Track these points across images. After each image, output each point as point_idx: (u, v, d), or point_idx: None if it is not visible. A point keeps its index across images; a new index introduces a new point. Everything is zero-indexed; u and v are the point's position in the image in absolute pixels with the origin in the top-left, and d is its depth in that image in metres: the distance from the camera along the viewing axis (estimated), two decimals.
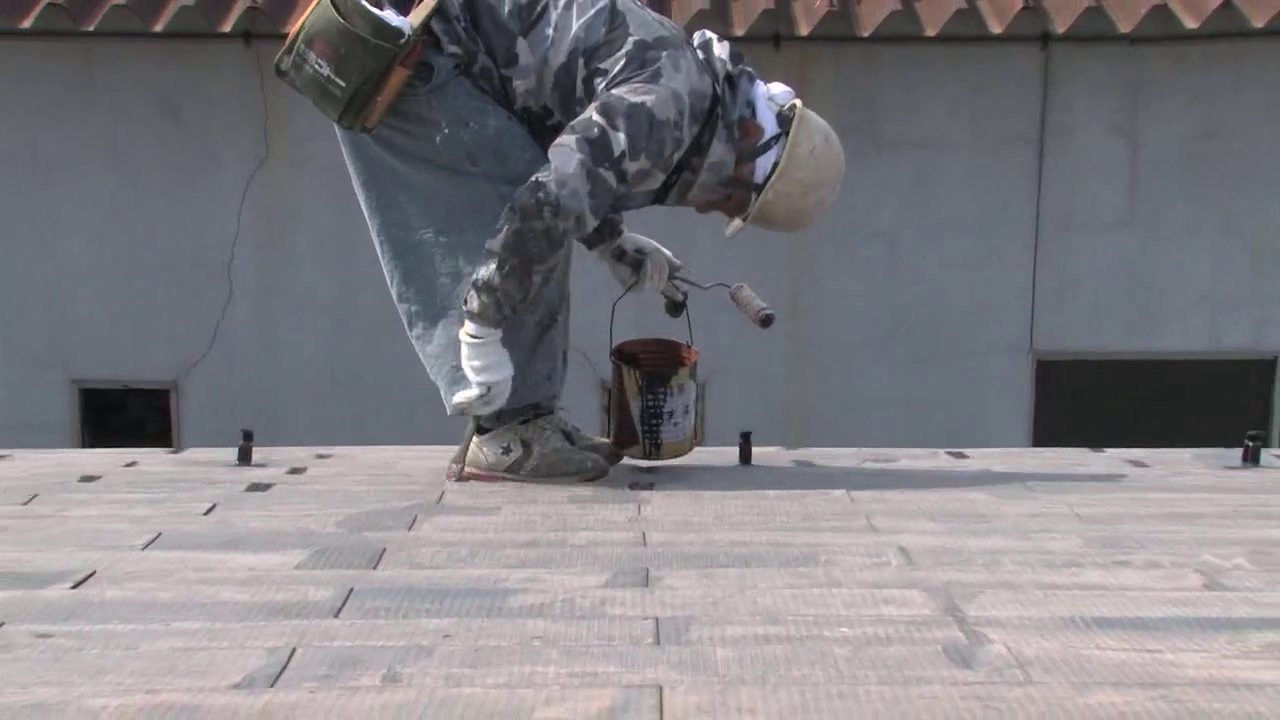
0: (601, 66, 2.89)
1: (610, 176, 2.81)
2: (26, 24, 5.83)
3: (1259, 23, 5.78)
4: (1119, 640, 1.76)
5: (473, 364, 2.85)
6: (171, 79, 6.13)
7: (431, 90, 2.85)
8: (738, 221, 3.10)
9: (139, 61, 6.09)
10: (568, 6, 2.92)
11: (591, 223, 2.86)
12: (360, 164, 2.98)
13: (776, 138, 2.99)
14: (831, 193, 3.07)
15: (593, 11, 2.92)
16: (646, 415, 3.09)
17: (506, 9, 2.90)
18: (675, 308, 3.30)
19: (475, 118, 2.88)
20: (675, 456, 3.19)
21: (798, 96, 3.07)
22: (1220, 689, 1.57)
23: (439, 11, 2.83)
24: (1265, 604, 1.96)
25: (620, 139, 2.80)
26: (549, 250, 2.80)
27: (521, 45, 2.90)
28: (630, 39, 2.90)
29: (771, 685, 1.57)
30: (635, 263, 3.26)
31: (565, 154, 2.80)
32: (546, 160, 2.81)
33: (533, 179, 2.78)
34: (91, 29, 5.85)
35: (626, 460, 3.20)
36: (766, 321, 3.19)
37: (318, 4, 2.82)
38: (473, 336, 2.84)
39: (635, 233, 3.30)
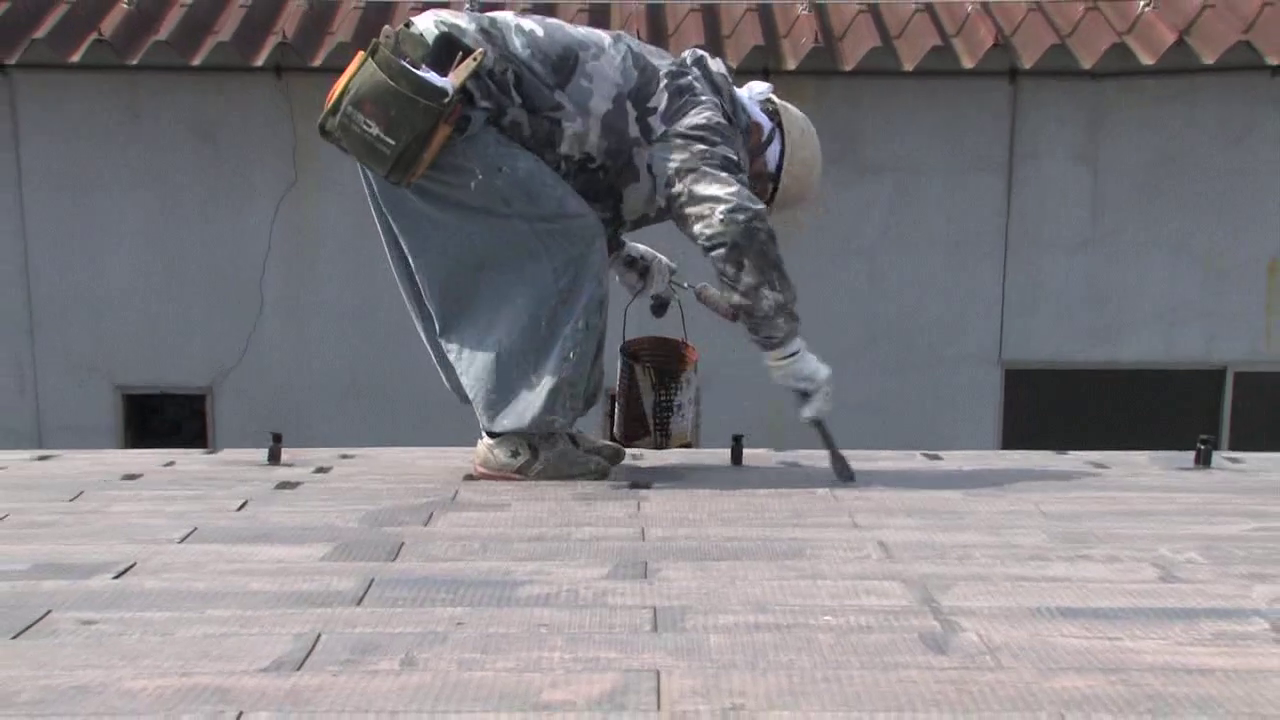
0: (650, 105, 2.93)
1: (746, 181, 2.91)
2: (76, 58, 5.85)
3: (1209, 60, 5.81)
4: (1081, 628, 1.76)
5: (801, 377, 2.96)
6: (208, 109, 6.14)
7: (466, 140, 2.83)
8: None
9: (178, 93, 6.10)
10: (596, 56, 2.94)
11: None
12: (398, 212, 2.95)
13: (773, 130, 3.08)
14: (821, 164, 3.17)
15: (619, 58, 2.95)
16: (659, 409, 3.10)
17: (540, 67, 2.89)
18: (662, 308, 3.32)
19: (506, 163, 2.87)
20: (680, 445, 3.20)
21: (768, 91, 3.17)
22: (1175, 674, 1.56)
23: (486, 71, 2.83)
24: (1216, 595, 1.96)
25: (725, 149, 2.90)
26: (777, 246, 2.91)
27: (561, 96, 2.90)
28: (659, 72, 2.96)
29: (761, 670, 1.57)
30: (642, 269, 3.29)
31: (712, 182, 2.87)
32: (577, 210, 2.88)
33: (719, 215, 2.84)
34: (135, 63, 5.87)
35: (628, 461, 3.20)
36: (736, 316, 3.16)
37: (361, 67, 2.78)
38: (790, 356, 2.95)
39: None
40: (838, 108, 6.14)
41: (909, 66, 5.90)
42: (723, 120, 2.93)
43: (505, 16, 2.99)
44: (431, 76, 2.75)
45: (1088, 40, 5.93)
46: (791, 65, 5.91)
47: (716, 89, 3.00)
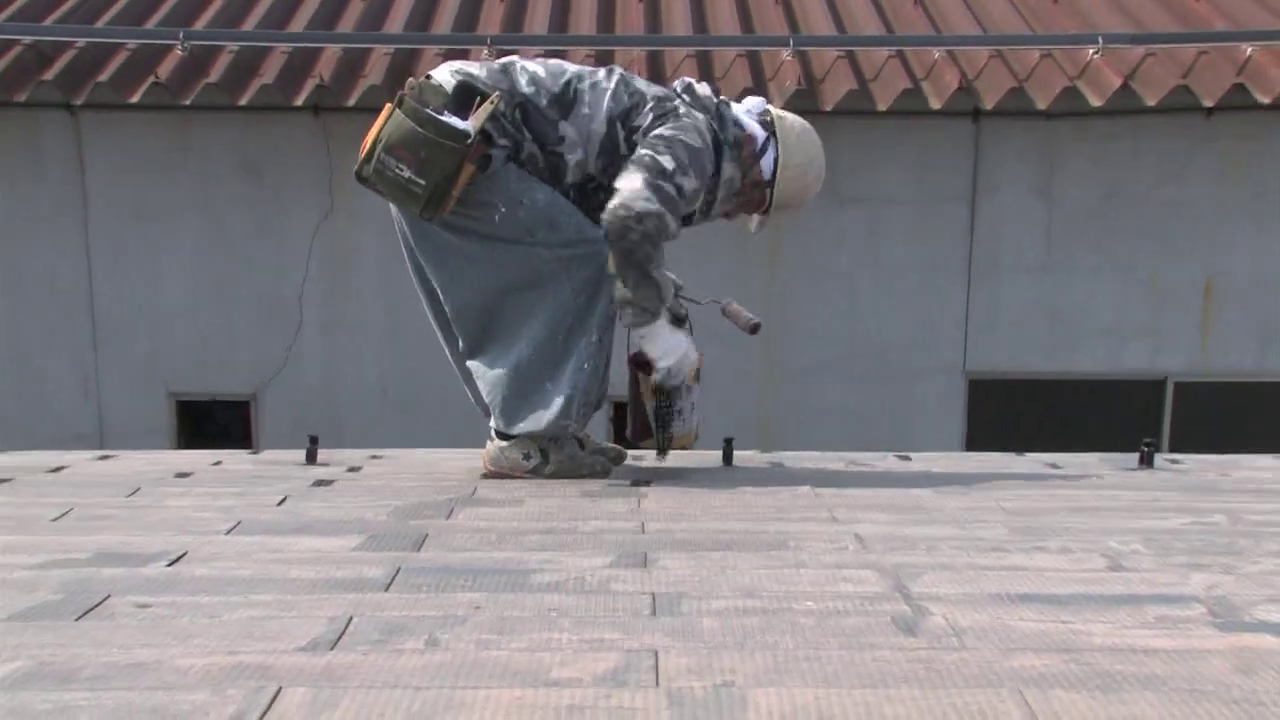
0: (635, 124, 2.92)
1: (670, 188, 2.82)
2: (135, 99, 5.86)
3: (1152, 102, 5.82)
4: (1038, 613, 1.76)
5: (650, 353, 2.91)
6: (253, 144, 6.15)
7: (488, 177, 2.84)
8: (757, 216, 3.14)
9: (226, 129, 6.11)
10: (593, 86, 2.94)
11: (672, 223, 2.84)
12: (428, 250, 2.95)
13: (767, 139, 3.04)
14: (821, 164, 3.13)
15: (613, 85, 2.95)
16: (660, 413, 3.08)
17: (544, 101, 2.89)
18: (678, 322, 3.27)
19: (526, 195, 2.87)
20: (683, 447, 3.18)
21: (765, 103, 3.14)
22: (1122, 654, 1.56)
23: (499, 114, 2.83)
24: (1159, 583, 1.96)
25: (668, 159, 2.84)
26: (654, 251, 2.82)
27: (565, 127, 2.90)
28: (648, 97, 2.96)
29: (749, 650, 1.57)
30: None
31: (628, 178, 2.83)
32: (593, 235, 2.85)
33: (610, 206, 2.79)
34: (188, 103, 5.88)
35: (629, 462, 3.20)
36: (755, 329, 3.16)
37: (390, 117, 2.79)
38: (640, 334, 2.90)
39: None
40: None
41: (882, 107, 5.91)
42: (694, 141, 2.88)
43: (511, 60, 3.00)
44: (454, 120, 2.76)
45: (1042, 84, 5.94)
46: (778, 105, 5.92)
47: (703, 109, 2.98)
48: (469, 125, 2.77)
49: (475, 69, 2.93)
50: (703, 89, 3.05)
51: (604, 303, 2.92)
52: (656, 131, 2.89)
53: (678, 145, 2.85)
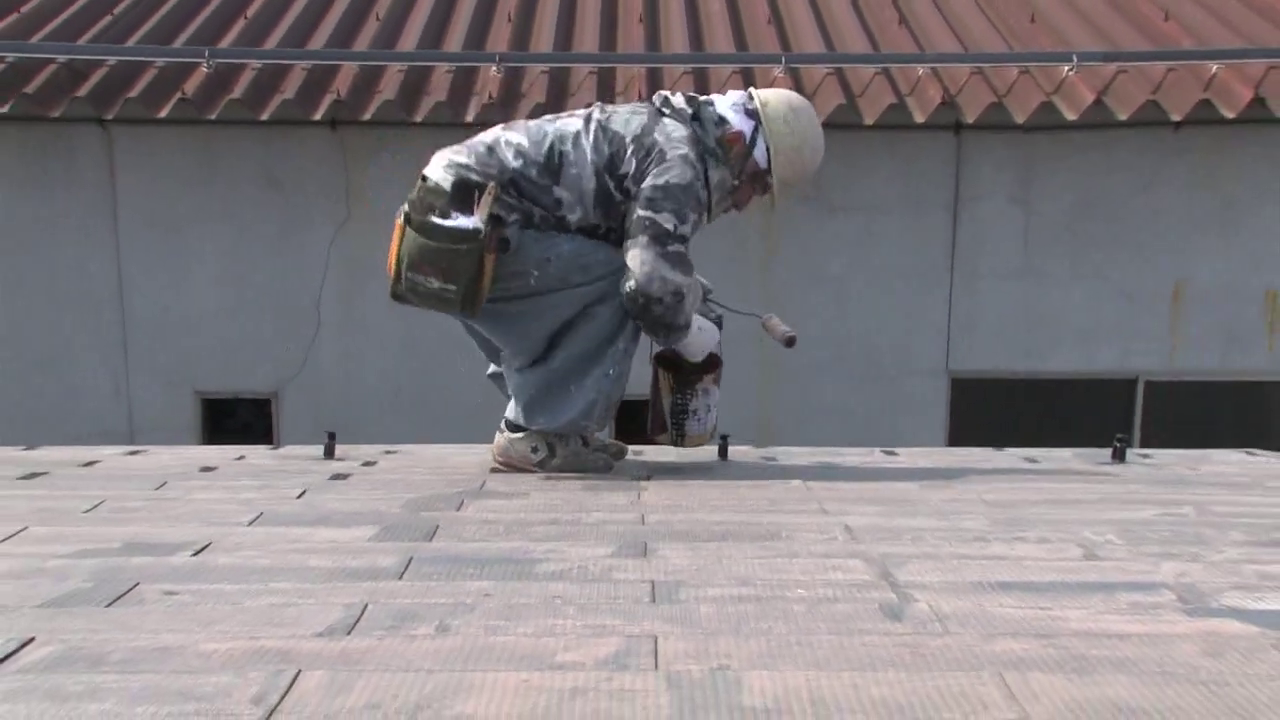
0: (621, 171, 2.87)
1: (676, 247, 2.82)
2: (163, 114, 5.86)
3: (1123, 116, 5.82)
4: (1017, 600, 1.75)
5: (687, 355, 3.00)
6: (274, 156, 6.15)
7: (512, 253, 2.82)
8: (768, 199, 3.08)
9: (249, 143, 6.11)
10: (575, 144, 2.89)
11: (686, 282, 2.85)
12: (479, 319, 2.94)
13: (755, 129, 2.97)
14: (819, 137, 3.06)
15: (591, 136, 2.90)
16: (675, 411, 3.08)
17: (534, 172, 2.86)
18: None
19: (551, 250, 2.85)
20: (697, 446, 3.17)
21: (748, 89, 3.08)
22: (1097, 638, 1.56)
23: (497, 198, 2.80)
24: (1131, 571, 1.95)
25: (666, 218, 2.81)
26: (675, 314, 2.85)
27: (559, 191, 2.87)
28: (626, 140, 2.88)
29: (744, 635, 1.56)
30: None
31: (635, 252, 2.83)
32: (624, 262, 2.85)
33: (628, 290, 2.81)
34: (213, 118, 5.88)
35: (630, 458, 3.20)
36: (790, 342, 3.12)
37: (404, 237, 2.78)
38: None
39: None
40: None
41: (869, 121, 5.90)
42: (683, 177, 2.84)
43: (494, 136, 2.94)
44: (461, 222, 2.73)
45: (1021, 99, 5.94)
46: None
47: (682, 120, 2.94)
48: (477, 221, 2.74)
49: (464, 157, 2.88)
50: (678, 100, 2.99)
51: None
52: (648, 183, 2.84)
53: (672, 193, 2.82)
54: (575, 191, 2.86)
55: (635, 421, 3.15)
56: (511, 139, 2.90)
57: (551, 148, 2.87)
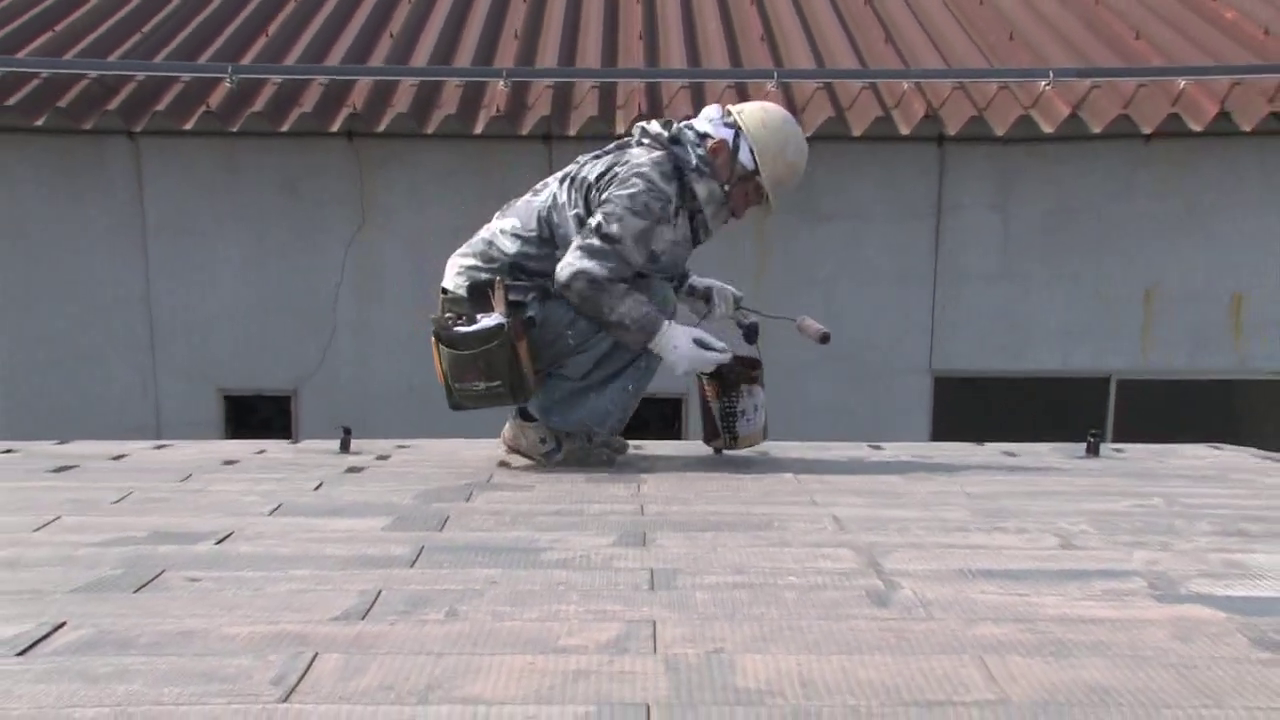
0: (587, 204, 2.91)
1: (595, 240, 2.82)
2: (188, 126, 5.87)
3: (1097, 129, 5.82)
4: (997, 587, 1.75)
5: (664, 356, 2.90)
6: (293, 166, 6.15)
7: (541, 325, 2.86)
8: (764, 203, 3.06)
9: (269, 153, 6.11)
10: (556, 206, 2.93)
11: (599, 269, 2.82)
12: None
13: (737, 136, 2.97)
14: (800, 137, 3.05)
15: (566, 194, 2.94)
16: (724, 415, 3.07)
17: (533, 249, 2.90)
18: (750, 335, 3.21)
19: (574, 310, 2.88)
20: (750, 446, 3.15)
21: (724, 107, 3.08)
22: (1072, 623, 1.56)
23: (507, 288, 2.83)
24: (1104, 559, 1.95)
25: (596, 217, 2.84)
26: (594, 304, 2.82)
27: (560, 254, 2.90)
28: (590, 182, 2.92)
29: (738, 620, 1.56)
30: (705, 296, 3.23)
31: (570, 252, 2.84)
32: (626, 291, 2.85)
33: (559, 280, 2.82)
34: (235, 130, 5.88)
35: (631, 452, 3.19)
36: (825, 339, 3.13)
37: (440, 353, 2.82)
38: (652, 349, 2.89)
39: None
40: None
41: (857, 133, 5.91)
42: (630, 188, 2.84)
43: (491, 230, 2.98)
44: (483, 322, 2.77)
45: (1000, 112, 5.94)
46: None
47: (659, 146, 2.95)
48: (498, 317, 2.78)
49: (469, 258, 2.94)
50: (654, 127, 3.01)
51: None
52: (604, 196, 2.88)
53: (613, 199, 2.84)
54: (569, 246, 2.89)
55: (637, 418, 3.14)
56: (505, 226, 2.95)
57: (540, 221, 2.92)
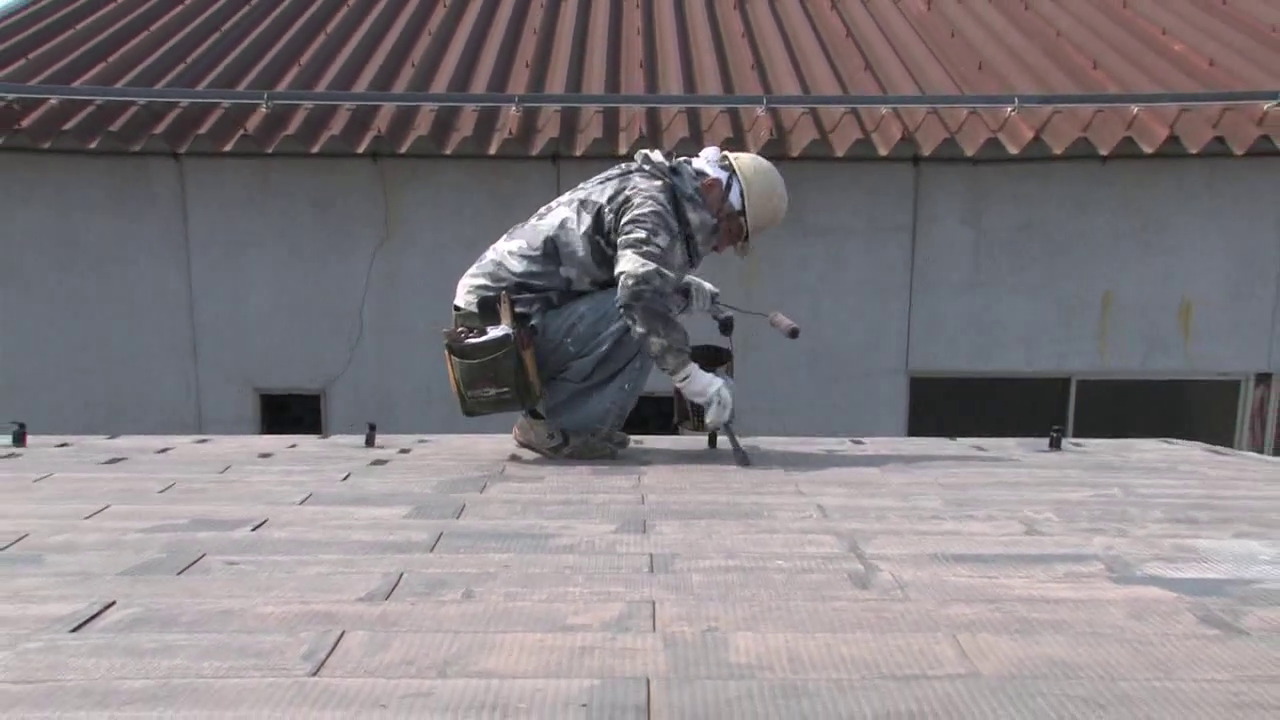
0: (605, 229, 2.91)
1: (652, 248, 2.82)
2: (228, 148, 5.86)
3: (1058, 150, 5.82)
4: (968, 570, 1.75)
5: (691, 392, 2.89)
6: (323, 184, 6.14)
7: (543, 335, 2.87)
8: (742, 242, 3.09)
9: (301, 172, 6.10)
10: (564, 227, 2.92)
11: (669, 272, 2.84)
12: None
13: (730, 179, 3.01)
14: (782, 189, 3.08)
15: (575, 215, 2.93)
16: (695, 403, 3.06)
17: (538, 267, 2.90)
18: (725, 328, 3.23)
19: (573, 316, 2.90)
20: (716, 428, 3.15)
21: (723, 152, 3.10)
22: (1037, 603, 1.56)
23: (512, 301, 2.85)
24: (1066, 544, 1.95)
25: (640, 232, 2.84)
26: (665, 300, 2.83)
27: (565, 270, 2.91)
28: (603, 205, 2.92)
29: (730, 601, 1.56)
30: (684, 291, 3.22)
31: (622, 260, 2.84)
32: (619, 283, 2.84)
33: (620, 284, 2.81)
34: (270, 151, 5.88)
35: (632, 446, 3.19)
36: (794, 334, 3.13)
37: (453, 364, 2.83)
38: (680, 380, 2.87)
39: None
40: (787, 185, 6.14)
41: (839, 154, 5.90)
42: (652, 208, 2.86)
43: (498, 251, 2.97)
44: (491, 333, 2.79)
45: (970, 135, 5.94)
46: (754, 151, 5.91)
47: (660, 175, 2.96)
48: (505, 328, 2.80)
49: (480, 279, 2.94)
50: (656, 156, 3.02)
51: None
52: (623, 222, 2.88)
53: (640, 219, 2.85)
54: (576, 264, 2.91)
55: (637, 414, 3.14)
56: (513, 248, 2.95)
57: (546, 240, 2.92)
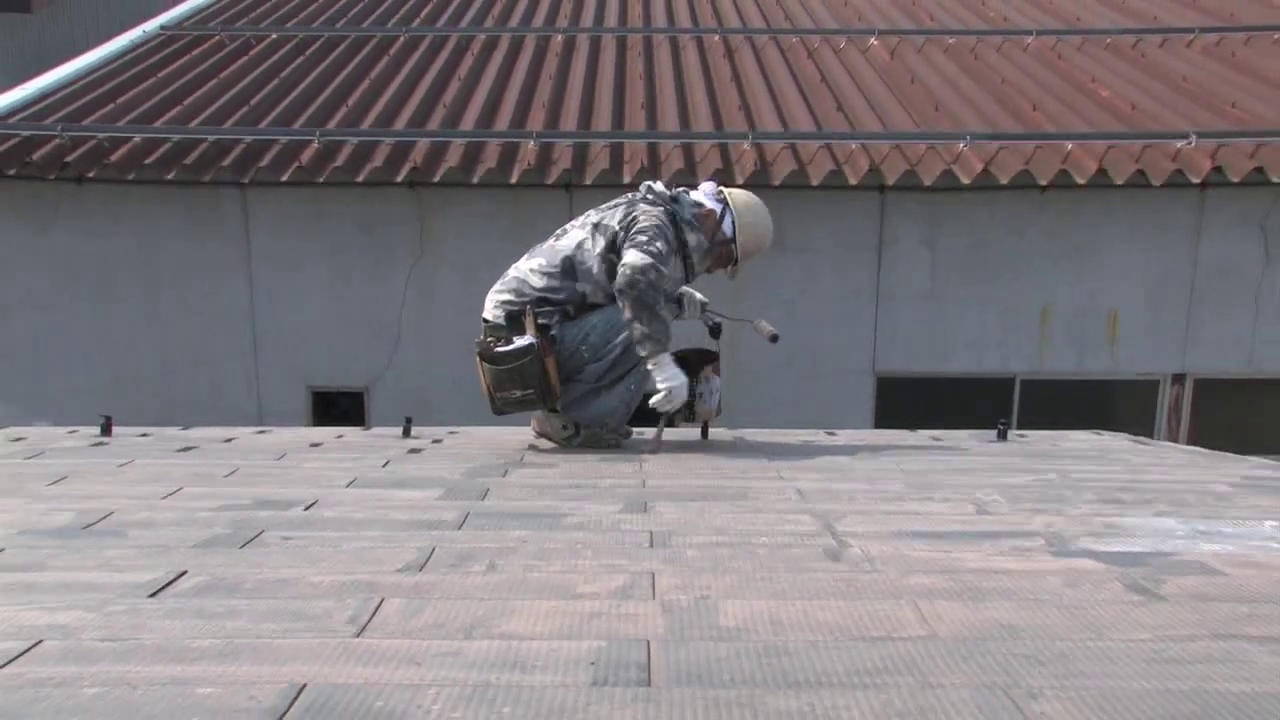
0: (618, 247, 2.88)
1: (652, 248, 2.81)
2: (284, 178, 5.86)
3: (1003, 181, 5.81)
4: (927, 545, 1.75)
5: (657, 379, 2.85)
6: (367, 209, 6.14)
7: (560, 344, 2.85)
8: (732, 266, 3.08)
9: (348, 199, 6.10)
10: (581, 247, 2.90)
11: (664, 269, 2.81)
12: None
13: (724, 210, 3.01)
14: (769, 221, 3.08)
15: (591, 238, 2.91)
16: (689, 394, 3.05)
17: (557, 283, 2.87)
18: (714, 332, 3.21)
19: (586, 327, 2.88)
20: (705, 420, 3.14)
21: (719, 186, 3.10)
22: (987, 574, 1.55)
23: (535, 314, 2.83)
24: (1011, 523, 1.94)
25: (643, 236, 2.84)
26: (657, 294, 2.80)
27: (580, 286, 2.89)
28: (616, 228, 2.90)
29: (720, 572, 1.56)
30: (677, 300, 3.20)
31: (628, 254, 2.81)
32: (619, 272, 2.82)
33: (619, 272, 2.78)
34: (321, 180, 5.88)
35: (635, 438, 3.18)
36: (775, 339, 3.10)
37: (483, 369, 2.81)
38: (651, 364, 2.84)
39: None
40: (770, 211, 6.13)
41: (815, 183, 5.89)
42: (655, 222, 2.86)
43: (521, 270, 2.95)
44: (518, 342, 2.78)
45: (928, 167, 5.93)
46: (740, 181, 5.88)
47: (661, 202, 2.95)
48: (529, 338, 2.78)
49: (505, 294, 2.92)
50: (658, 186, 3.02)
51: None
52: (636, 227, 2.87)
53: (646, 229, 2.85)
54: (590, 280, 2.89)
55: (640, 409, 3.13)
56: (534, 266, 2.93)
57: (564, 259, 2.90)
